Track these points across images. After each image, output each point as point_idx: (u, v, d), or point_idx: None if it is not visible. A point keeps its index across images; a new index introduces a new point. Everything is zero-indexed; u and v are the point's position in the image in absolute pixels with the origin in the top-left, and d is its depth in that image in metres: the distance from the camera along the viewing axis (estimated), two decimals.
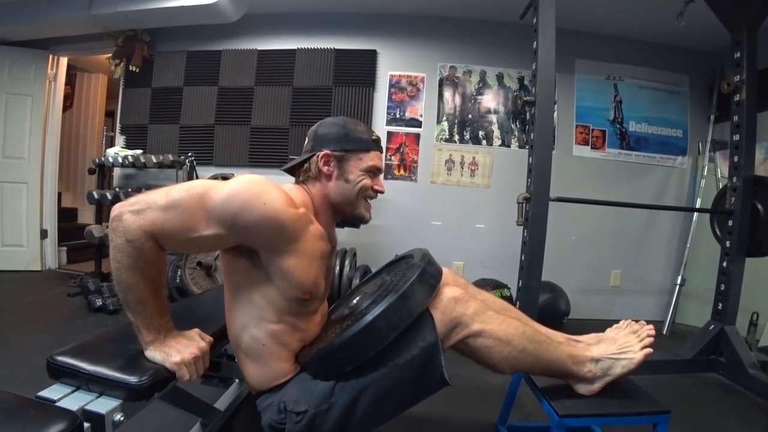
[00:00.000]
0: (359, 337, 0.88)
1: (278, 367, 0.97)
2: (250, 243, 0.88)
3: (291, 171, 1.09)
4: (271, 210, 0.84)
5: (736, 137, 2.08)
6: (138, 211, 0.79)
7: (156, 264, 0.82)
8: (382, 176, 1.12)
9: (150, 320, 0.84)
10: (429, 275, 0.97)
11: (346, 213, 1.07)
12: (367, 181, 1.04)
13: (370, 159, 1.04)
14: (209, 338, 0.96)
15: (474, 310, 0.98)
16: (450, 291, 0.99)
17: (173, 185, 0.85)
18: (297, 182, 1.07)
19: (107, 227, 0.83)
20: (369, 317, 0.88)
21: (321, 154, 1.01)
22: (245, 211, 0.82)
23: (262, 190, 0.84)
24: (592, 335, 1.19)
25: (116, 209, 0.80)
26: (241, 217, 0.83)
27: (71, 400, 0.76)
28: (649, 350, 1.09)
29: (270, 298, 0.93)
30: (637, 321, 1.19)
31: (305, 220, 0.92)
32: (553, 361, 1.05)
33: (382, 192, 1.08)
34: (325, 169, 1.01)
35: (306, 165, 1.04)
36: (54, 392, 0.78)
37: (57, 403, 0.74)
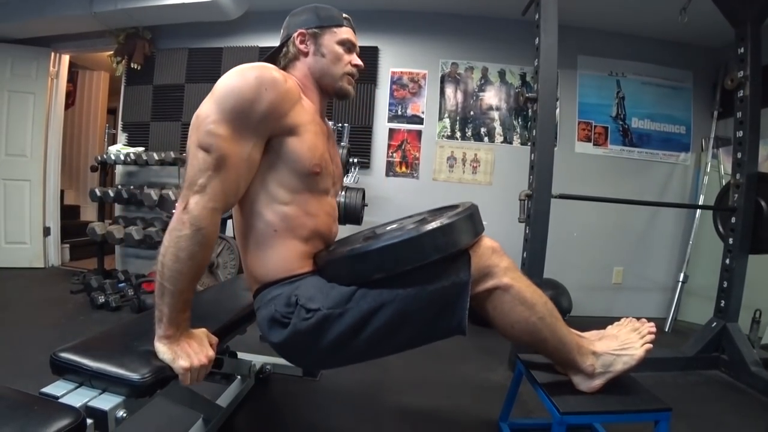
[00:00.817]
0: (403, 246, 0.87)
1: (289, 256, 0.98)
2: (270, 129, 0.92)
3: (272, 61, 1.10)
4: (276, 89, 0.89)
5: (740, 133, 2.07)
6: (202, 187, 0.83)
7: (212, 245, 0.87)
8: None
9: (178, 313, 0.85)
10: (478, 220, 1.00)
11: (330, 88, 1.11)
12: (345, 57, 1.09)
13: (344, 33, 1.10)
14: (215, 340, 0.96)
15: (507, 264, 0.99)
16: (489, 241, 1.01)
17: (189, 168, 0.86)
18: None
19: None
20: (418, 231, 0.88)
21: (296, 34, 1.07)
22: (258, 104, 0.87)
23: (257, 83, 0.88)
24: (594, 332, 1.20)
25: (180, 203, 0.84)
26: (257, 111, 0.87)
27: (74, 396, 0.77)
28: (650, 346, 1.09)
29: (282, 179, 0.96)
30: (638, 319, 1.20)
31: (297, 89, 0.99)
32: (565, 342, 1.05)
33: (360, 66, 1.13)
34: (302, 47, 1.07)
35: (284, 49, 1.09)
36: (57, 388, 0.78)
37: (60, 400, 0.75)
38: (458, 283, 0.91)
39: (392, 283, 0.90)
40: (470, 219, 0.96)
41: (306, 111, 0.99)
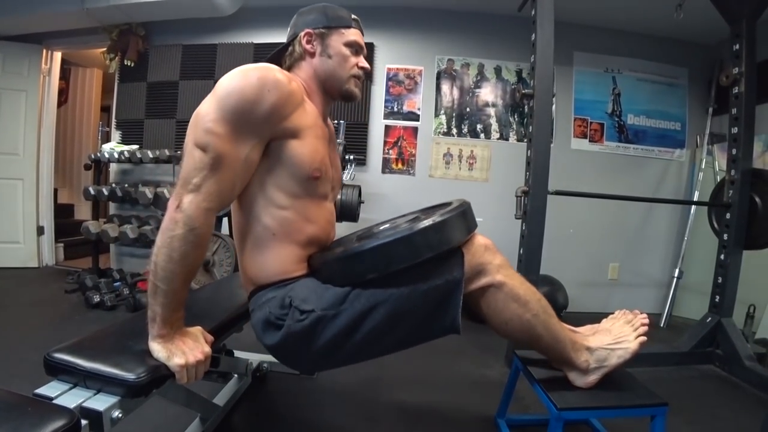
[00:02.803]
0: (395, 245, 0.87)
1: (286, 259, 0.98)
2: (271, 131, 0.91)
3: (276, 61, 1.09)
4: (279, 90, 0.88)
5: (735, 130, 2.08)
6: (196, 187, 0.82)
7: (205, 246, 0.86)
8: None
9: (172, 313, 0.84)
10: (470, 217, 1.00)
11: (335, 90, 1.09)
12: (352, 59, 1.07)
13: (352, 34, 1.08)
14: (211, 338, 0.96)
15: (500, 262, 0.99)
16: (482, 239, 1.01)
17: (185, 167, 0.85)
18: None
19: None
20: (410, 230, 0.88)
21: (302, 33, 1.05)
22: (260, 106, 0.86)
23: (260, 84, 0.87)
24: (588, 327, 1.20)
25: (173, 201, 0.82)
26: (258, 113, 0.86)
27: (69, 397, 0.76)
28: (644, 339, 1.10)
29: (281, 183, 0.95)
30: (631, 310, 1.20)
31: (301, 91, 0.97)
32: (559, 339, 1.05)
33: (367, 69, 1.12)
34: (308, 47, 1.05)
35: (290, 48, 1.08)
36: (51, 389, 0.77)
37: (54, 401, 0.74)
38: (451, 281, 0.91)
39: (386, 282, 0.90)
40: (463, 216, 0.96)
41: (308, 114, 0.98)
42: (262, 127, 0.89)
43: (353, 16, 1.10)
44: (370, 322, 0.89)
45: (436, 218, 0.90)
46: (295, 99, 0.93)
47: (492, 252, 0.99)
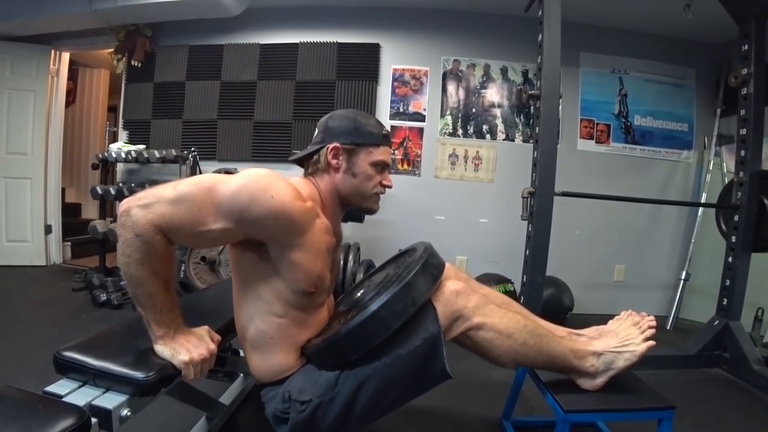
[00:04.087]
0: (364, 325, 0.89)
1: (285, 361, 0.98)
2: (259, 236, 0.89)
3: (300, 162, 1.09)
4: (279, 203, 0.84)
5: (743, 131, 2.06)
6: (146, 205, 0.80)
7: (165, 258, 0.83)
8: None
9: (160, 315, 0.84)
10: (432, 266, 0.98)
11: (354, 205, 1.07)
12: (376, 177, 1.04)
13: (380, 154, 1.04)
14: (218, 337, 0.97)
15: (475, 303, 0.99)
16: (452, 284, 0.99)
17: (180, 180, 0.86)
18: (305, 174, 1.07)
19: (111, 222, 0.84)
20: (373, 306, 0.89)
21: (330, 146, 1.01)
22: (253, 205, 0.83)
23: (269, 183, 0.85)
24: (594, 328, 1.20)
25: (124, 204, 0.81)
26: (250, 210, 0.83)
27: (78, 395, 0.77)
28: (651, 343, 1.09)
29: (277, 291, 0.94)
30: (638, 312, 1.19)
31: (312, 213, 0.93)
32: (555, 355, 1.05)
33: (389, 187, 1.09)
34: (334, 162, 1.02)
35: (315, 157, 1.04)
36: (61, 387, 0.78)
37: (64, 399, 0.75)
38: (429, 338, 0.92)
39: (368, 358, 0.92)
40: (423, 270, 0.95)
41: (316, 232, 0.94)
42: (257, 233, 0.88)
43: (385, 130, 1.06)
44: (363, 397, 0.91)
45: (393, 289, 0.90)
46: (305, 226, 0.90)
47: (465, 295, 0.99)
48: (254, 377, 1.05)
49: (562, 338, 1.10)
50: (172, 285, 0.87)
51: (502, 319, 1.00)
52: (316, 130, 1.07)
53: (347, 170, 1.02)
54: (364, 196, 1.05)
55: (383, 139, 1.05)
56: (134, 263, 0.79)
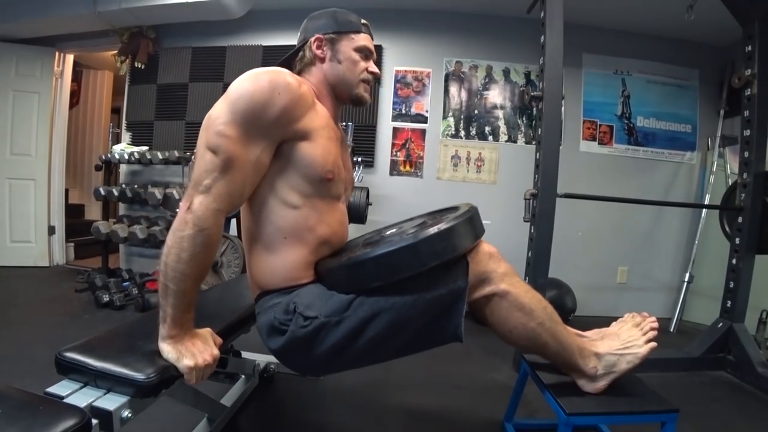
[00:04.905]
0: (400, 253, 0.86)
1: (295, 265, 0.97)
2: (282, 133, 0.91)
3: (287, 65, 1.09)
4: (289, 93, 0.89)
5: (747, 132, 2.05)
6: (207, 188, 0.83)
7: (215, 248, 0.86)
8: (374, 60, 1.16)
9: (182, 314, 0.85)
10: (478, 223, 0.98)
11: (345, 94, 1.10)
12: (361, 63, 1.08)
13: (362, 39, 1.09)
14: (220, 341, 0.96)
15: (505, 270, 0.98)
16: (487, 246, 1.00)
17: (194, 163, 0.87)
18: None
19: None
20: (416, 237, 0.86)
21: (313, 38, 1.06)
22: (270, 108, 0.87)
23: (271, 87, 0.87)
24: (596, 330, 1.19)
25: (184, 202, 0.83)
26: (269, 115, 0.87)
27: (79, 396, 0.77)
28: (653, 345, 1.08)
29: (293, 184, 0.95)
30: (640, 313, 1.19)
31: (311, 94, 0.98)
32: (566, 346, 1.04)
33: (377, 74, 1.12)
34: (318, 52, 1.06)
35: (300, 54, 1.08)
36: (62, 388, 0.78)
37: (65, 400, 0.75)
38: (455, 290, 0.90)
39: (389, 290, 0.89)
40: (470, 223, 0.94)
41: (320, 116, 0.98)
42: (272, 130, 0.89)
43: (363, 21, 1.11)
44: (373, 329, 0.89)
45: (442, 225, 0.88)
46: (305, 102, 0.94)
47: (497, 260, 0.98)
48: (256, 283, 1.03)
49: (571, 333, 1.09)
50: (200, 285, 0.88)
51: (527, 293, 0.99)
52: (299, 34, 1.11)
53: (332, 58, 1.06)
54: (352, 83, 1.08)
55: (363, 27, 1.10)
56: (188, 259, 0.81)
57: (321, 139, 0.95)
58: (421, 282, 0.89)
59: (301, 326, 0.90)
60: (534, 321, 0.98)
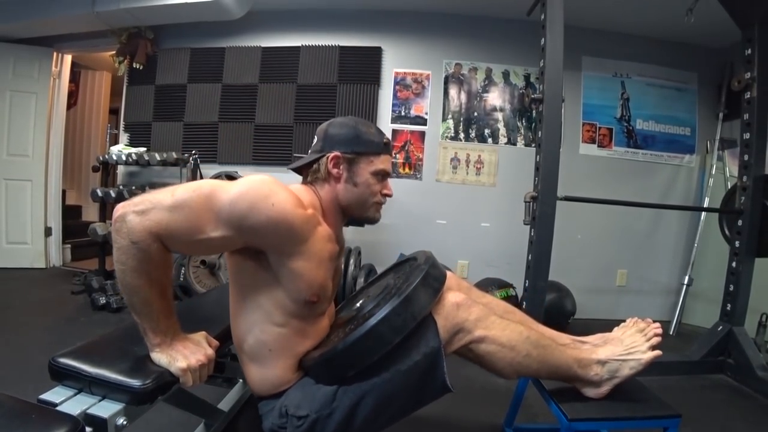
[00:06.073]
0: (362, 341, 0.86)
1: (283, 374, 0.96)
2: (258, 245, 0.87)
3: (298, 170, 1.07)
4: (279, 211, 0.82)
5: (747, 135, 2.05)
6: (143, 211, 0.77)
7: (161, 265, 0.80)
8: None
9: (157, 322, 0.82)
10: (433, 278, 0.95)
11: (356, 215, 1.05)
12: (376, 186, 1.02)
13: (381, 162, 1.01)
14: (215, 343, 0.95)
15: (476, 315, 0.97)
16: (453, 296, 0.98)
17: (178, 185, 0.84)
18: (304, 182, 1.05)
19: (111, 225, 0.81)
20: (372, 321, 0.86)
21: (331, 155, 0.98)
22: (253, 212, 0.81)
23: (270, 190, 0.83)
24: (598, 335, 1.18)
25: (119, 210, 0.78)
26: (249, 218, 0.81)
27: (73, 403, 0.75)
28: (658, 352, 1.07)
29: (277, 300, 0.91)
30: (643, 318, 1.18)
31: (314, 221, 0.91)
32: (559, 365, 1.04)
33: (390, 196, 1.06)
34: (334, 171, 0.99)
35: (315, 166, 1.01)
36: (56, 395, 0.76)
37: (58, 407, 0.73)
38: (429, 353, 0.90)
39: (367, 373, 0.90)
40: (423, 283, 0.92)
41: (317, 240, 0.92)
42: (255, 241, 0.86)
43: (385, 138, 1.04)
44: (362, 412, 0.89)
45: (394, 302, 0.88)
46: (305, 231, 0.88)
47: (466, 308, 0.96)
48: (251, 390, 1.03)
49: (565, 347, 1.08)
50: (169, 292, 0.85)
51: (504, 331, 0.98)
52: (315, 137, 1.05)
53: (348, 180, 1.00)
54: (365, 205, 1.03)
55: (384, 147, 1.02)
56: (129, 271, 0.77)
57: (313, 260, 0.90)
58: (394, 355, 0.89)
59: (297, 426, 0.90)
60: (519, 355, 0.98)
